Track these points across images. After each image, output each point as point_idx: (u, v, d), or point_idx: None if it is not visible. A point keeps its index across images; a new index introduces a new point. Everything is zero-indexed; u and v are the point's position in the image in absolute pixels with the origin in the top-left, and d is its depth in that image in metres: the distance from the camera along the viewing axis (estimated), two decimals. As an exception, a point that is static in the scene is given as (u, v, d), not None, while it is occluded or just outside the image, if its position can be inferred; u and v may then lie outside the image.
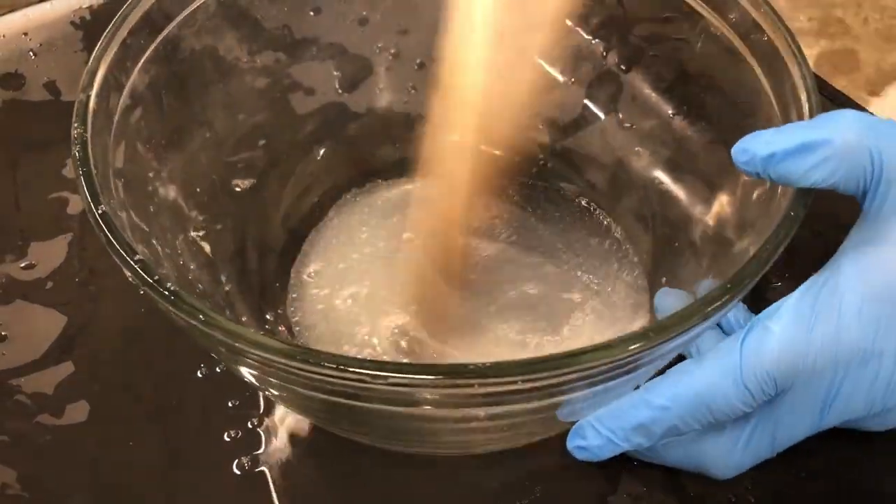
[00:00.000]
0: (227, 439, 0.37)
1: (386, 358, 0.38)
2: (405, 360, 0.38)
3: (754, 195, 0.35)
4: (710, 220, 0.38)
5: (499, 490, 0.36)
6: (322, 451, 0.37)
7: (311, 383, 0.27)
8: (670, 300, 0.37)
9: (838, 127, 0.30)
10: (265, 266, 0.42)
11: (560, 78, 0.44)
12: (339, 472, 0.37)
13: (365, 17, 0.44)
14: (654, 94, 0.41)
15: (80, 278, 0.42)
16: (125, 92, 0.35)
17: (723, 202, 0.37)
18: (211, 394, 0.38)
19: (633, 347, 0.27)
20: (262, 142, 0.43)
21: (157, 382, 0.39)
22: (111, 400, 0.39)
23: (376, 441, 0.35)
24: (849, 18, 1.03)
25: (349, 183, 0.45)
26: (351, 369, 0.26)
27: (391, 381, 0.26)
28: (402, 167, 0.46)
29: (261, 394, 0.38)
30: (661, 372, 0.32)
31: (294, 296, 0.41)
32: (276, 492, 0.36)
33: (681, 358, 0.33)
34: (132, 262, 0.28)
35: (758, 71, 0.35)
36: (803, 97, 0.32)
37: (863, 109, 0.35)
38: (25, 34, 0.50)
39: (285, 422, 0.38)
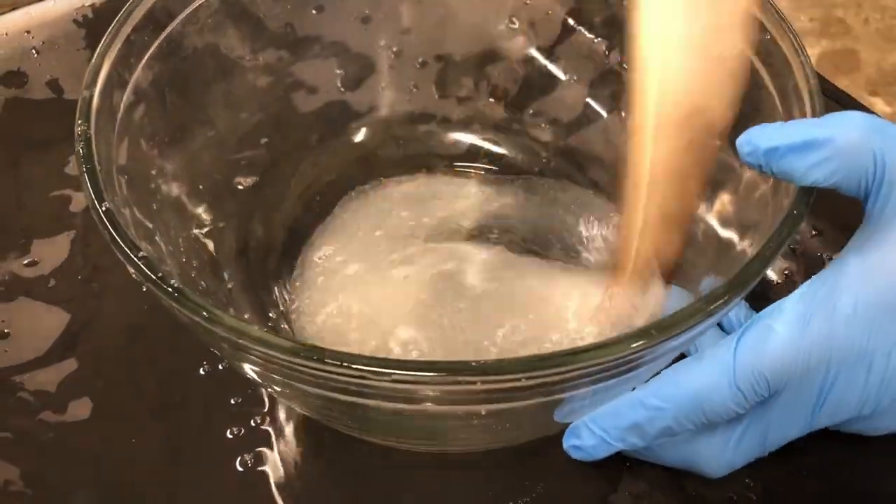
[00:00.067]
0: (230, 436, 0.37)
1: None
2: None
3: (756, 194, 0.35)
4: (712, 218, 0.38)
5: (501, 488, 0.36)
6: (324, 449, 0.37)
7: (313, 380, 0.27)
8: (672, 299, 0.38)
9: (843, 127, 0.30)
10: (268, 264, 0.42)
11: (563, 76, 0.44)
12: (341, 469, 0.37)
13: (367, 15, 0.45)
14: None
15: (83, 275, 0.42)
16: (129, 89, 0.35)
17: (725, 201, 0.37)
18: (213, 391, 0.38)
19: (634, 346, 0.27)
20: (264, 140, 0.43)
21: (159, 379, 0.39)
22: (114, 397, 0.39)
23: (379, 438, 0.35)
24: (850, 18, 1.03)
25: (352, 181, 0.45)
26: (353, 366, 0.26)
27: (393, 377, 0.26)
28: (404, 165, 0.46)
29: (263, 391, 0.38)
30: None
31: (296, 293, 0.42)
32: (279, 489, 0.36)
33: (683, 356, 0.33)
34: (136, 259, 0.28)
35: (761, 70, 0.35)
36: (806, 97, 0.32)
37: (866, 110, 0.35)
38: (28, 32, 0.50)
39: (288, 419, 0.38)
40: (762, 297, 0.32)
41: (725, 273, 0.32)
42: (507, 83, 0.46)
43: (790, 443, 0.34)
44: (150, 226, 0.34)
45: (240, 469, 0.36)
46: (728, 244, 0.36)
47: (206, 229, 0.39)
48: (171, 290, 0.28)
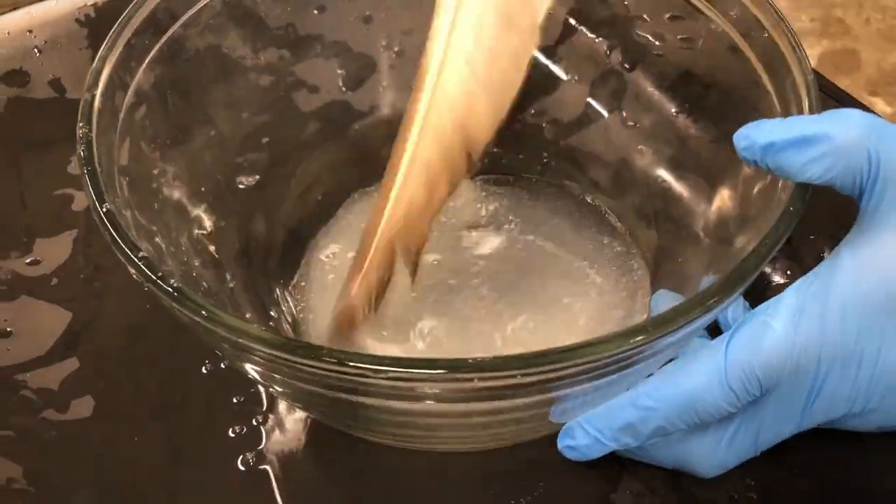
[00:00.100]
0: (232, 435, 0.37)
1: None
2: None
3: (755, 191, 0.35)
4: (712, 216, 0.38)
5: (501, 487, 0.36)
6: (326, 448, 0.37)
7: (312, 378, 0.28)
8: (668, 303, 0.38)
9: (840, 124, 0.30)
10: (269, 264, 0.42)
11: (564, 76, 0.44)
12: (342, 468, 0.37)
13: (369, 15, 0.45)
14: (657, 93, 0.42)
15: (85, 275, 0.43)
16: (130, 90, 0.35)
17: (724, 199, 0.38)
18: (215, 390, 0.38)
19: (632, 342, 0.27)
20: (265, 140, 0.43)
21: (161, 378, 0.39)
22: (116, 396, 0.39)
23: (379, 437, 0.35)
24: (850, 18, 1.03)
25: (353, 182, 0.46)
26: (351, 364, 0.26)
27: (391, 375, 0.26)
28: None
29: (265, 390, 0.38)
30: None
31: (298, 293, 0.42)
32: (280, 488, 0.36)
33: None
34: (136, 260, 0.29)
35: (759, 68, 0.35)
36: (804, 94, 0.32)
37: (867, 110, 0.36)
38: (30, 31, 0.50)
39: (289, 418, 0.38)
40: (763, 297, 0.32)
41: (725, 271, 0.32)
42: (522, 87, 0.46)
43: (789, 442, 0.34)
44: (152, 226, 0.34)
45: (241, 468, 0.36)
46: (727, 242, 0.36)
47: (207, 229, 0.39)
48: (171, 289, 0.28)
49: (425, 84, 0.36)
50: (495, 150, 0.46)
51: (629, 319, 0.40)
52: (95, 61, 0.34)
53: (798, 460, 0.36)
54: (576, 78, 0.44)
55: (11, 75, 0.49)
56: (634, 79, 0.42)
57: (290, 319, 0.40)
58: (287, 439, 0.37)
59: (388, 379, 0.26)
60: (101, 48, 0.34)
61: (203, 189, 0.39)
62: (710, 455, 0.33)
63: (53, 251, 0.43)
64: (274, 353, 0.27)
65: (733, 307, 0.37)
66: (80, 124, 0.32)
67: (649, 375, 0.32)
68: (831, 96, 0.45)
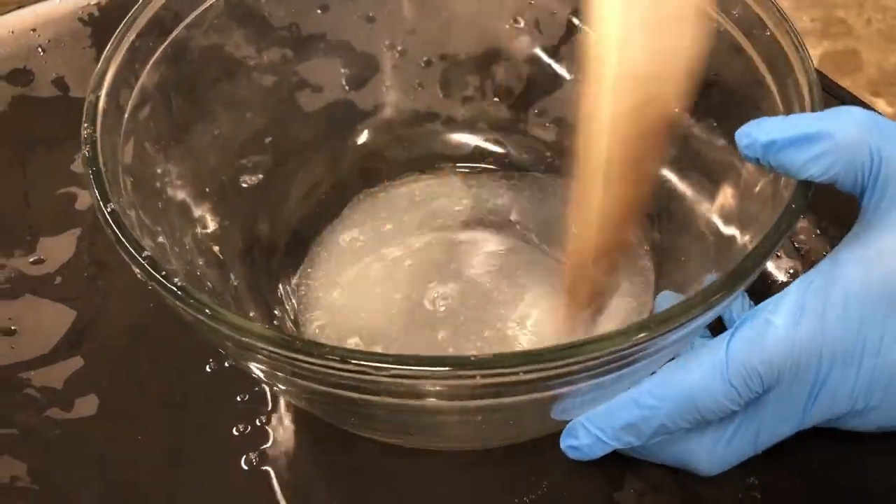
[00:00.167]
0: (236, 434, 0.37)
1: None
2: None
3: (757, 189, 0.35)
4: (714, 215, 0.38)
5: (505, 485, 0.36)
6: (329, 447, 0.37)
7: (315, 376, 0.28)
8: (672, 304, 0.38)
9: (842, 122, 0.30)
10: (273, 263, 0.42)
11: (567, 75, 0.45)
12: (346, 467, 0.37)
13: (372, 15, 0.45)
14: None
15: (89, 273, 0.43)
16: (135, 91, 0.35)
17: (727, 198, 0.38)
18: (219, 388, 0.38)
19: (634, 339, 0.27)
20: (269, 139, 0.43)
21: (165, 377, 0.39)
22: (120, 394, 0.39)
23: (382, 436, 0.35)
24: (851, 19, 1.03)
25: (356, 181, 0.46)
26: (353, 361, 0.26)
27: (393, 372, 0.26)
28: (409, 166, 0.46)
29: (269, 389, 0.38)
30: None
31: (302, 292, 0.42)
32: (284, 487, 0.36)
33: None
34: (140, 259, 0.29)
35: (761, 67, 0.35)
36: (806, 93, 0.32)
37: (869, 109, 0.36)
38: (34, 30, 0.50)
39: (294, 417, 0.38)
40: (766, 296, 0.32)
41: (728, 270, 0.32)
42: (512, 82, 0.46)
43: (791, 442, 0.34)
44: (156, 226, 0.34)
45: (245, 467, 0.36)
46: (730, 240, 0.36)
47: (211, 229, 0.39)
48: (175, 288, 0.28)
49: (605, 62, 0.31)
50: (499, 149, 0.46)
51: (633, 319, 0.40)
52: (100, 63, 0.34)
53: (800, 460, 0.36)
54: (579, 77, 0.44)
55: (15, 74, 0.49)
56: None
57: (293, 318, 0.41)
58: (291, 438, 0.37)
59: (390, 376, 0.26)
60: (106, 49, 0.34)
61: (207, 188, 0.39)
62: (711, 453, 0.33)
63: (57, 250, 0.43)
64: (277, 351, 0.27)
65: (738, 305, 0.37)
66: (85, 125, 0.32)
67: (652, 374, 0.32)
68: (833, 96, 0.45)
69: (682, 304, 0.27)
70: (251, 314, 0.38)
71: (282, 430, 0.38)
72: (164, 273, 0.28)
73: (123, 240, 0.29)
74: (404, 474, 0.37)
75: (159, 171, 0.37)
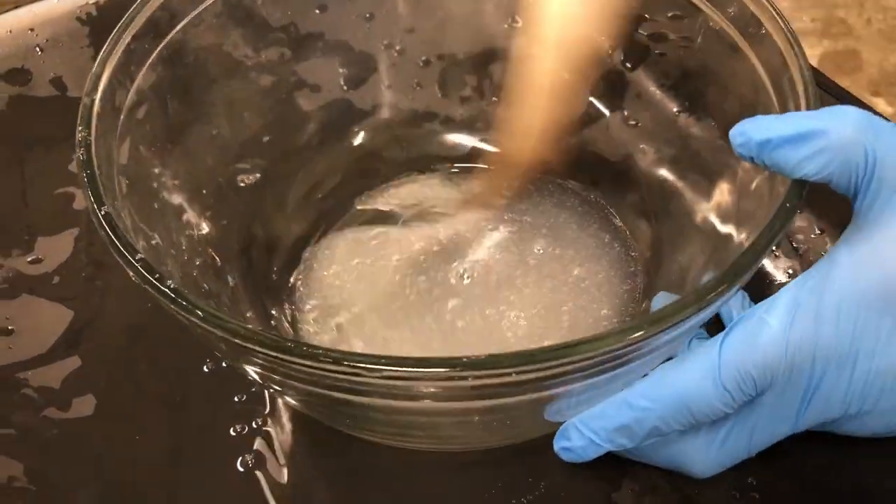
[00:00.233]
0: (233, 434, 0.37)
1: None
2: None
3: (753, 187, 0.35)
4: (711, 215, 0.38)
5: (503, 486, 0.36)
6: (326, 448, 0.37)
7: (308, 378, 0.28)
8: (661, 303, 0.38)
9: (837, 121, 0.30)
10: (271, 264, 0.42)
11: (565, 75, 0.44)
12: (342, 468, 0.37)
13: (370, 14, 0.45)
14: (658, 92, 0.42)
15: (87, 273, 0.43)
16: (131, 91, 0.35)
17: (724, 197, 0.37)
18: (217, 389, 0.38)
19: (627, 339, 0.27)
20: (266, 139, 0.43)
21: (163, 377, 0.39)
22: (117, 394, 0.39)
23: (378, 437, 0.35)
24: (851, 19, 1.03)
25: (354, 182, 0.46)
26: (346, 363, 0.26)
27: (386, 374, 0.26)
28: (408, 166, 0.46)
29: (266, 389, 0.38)
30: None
31: (299, 292, 0.42)
32: (281, 487, 0.36)
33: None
34: (133, 262, 0.29)
35: (757, 65, 0.35)
36: (801, 90, 0.32)
37: (868, 109, 0.35)
38: (32, 30, 0.50)
39: (291, 418, 0.38)
40: (765, 297, 0.32)
41: (724, 268, 0.32)
42: (511, 82, 0.46)
43: (789, 444, 0.33)
44: (151, 227, 0.34)
45: (242, 467, 0.36)
46: (727, 239, 0.36)
47: (207, 230, 0.39)
48: (167, 291, 0.28)
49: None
50: (498, 148, 0.46)
51: (627, 318, 0.40)
52: (95, 65, 0.34)
53: (794, 463, 0.36)
54: (577, 77, 0.44)
55: (13, 73, 0.49)
56: (636, 78, 0.42)
57: (290, 319, 0.40)
58: (288, 439, 0.37)
59: (384, 378, 0.26)
60: (102, 51, 0.34)
61: (203, 190, 0.39)
62: (704, 455, 0.33)
63: (55, 249, 0.43)
64: (269, 353, 0.27)
65: (738, 306, 0.37)
66: (80, 128, 0.32)
67: (645, 375, 0.32)
68: (833, 96, 0.45)
69: (675, 303, 0.27)
70: (248, 315, 0.38)
71: (279, 430, 0.37)
72: (157, 275, 0.28)
73: (117, 242, 0.29)
74: (401, 475, 0.37)
75: (155, 171, 0.37)
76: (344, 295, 0.41)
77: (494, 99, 0.46)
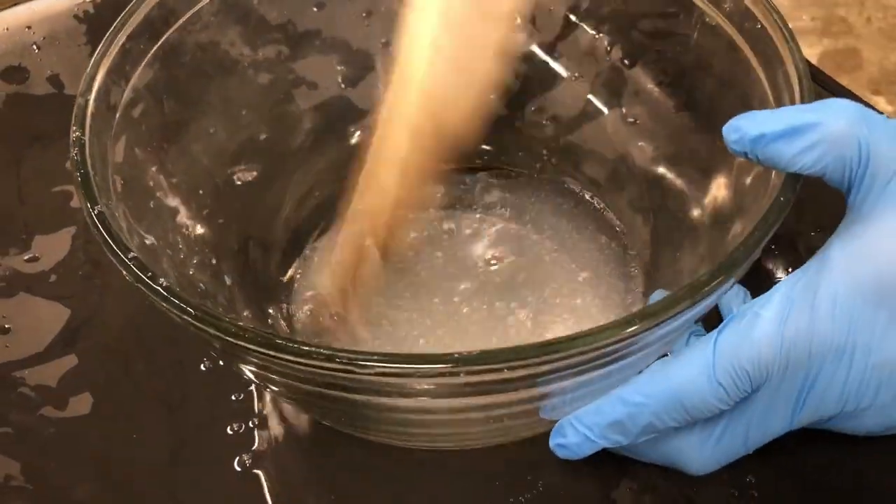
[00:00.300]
0: (230, 433, 0.37)
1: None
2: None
3: (748, 181, 0.35)
4: (708, 211, 0.38)
5: (501, 485, 0.36)
6: (324, 447, 0.37)
7: (302, 375, 0.28)
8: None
9: (830, 114, 0.29)
10: (268, 262, 0.42)
11: (564, 73, 0.44)
12: (340, 466, 0.37)
13: (368, 11, 0.44)
14: (657, 89, 0.41)
15: (84, 271, 0.43)
16: (127, 89, 0.35)
17: (721, 194, 0.37)
18: (214, 387, 0.38)
19: (620, 334, 0.26)
20: (263, 137, 0.43)
21: (160, 375, 0.39)
22: (115, 393, 0.39)
23: (374, 436, 0.35)
24: (852, 17, 1.03)
25: (354, 180, 0.45)
26: (338, 360, 0.26)
27: (378, 370, 0.26)
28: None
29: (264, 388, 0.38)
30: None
31: (297, 291, 0.42)
32: (279, 485, 0.36)
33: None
34: (126, 260, 0.29)
35: (752, 60, 0.35)
36: (795, 84, 0.32)
37: (866, 105, 0.35)
38: (29, 28, 0.50)
39: (289, 416, 0.38)
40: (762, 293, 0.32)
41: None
42: (508, 80, 0.46)
43: (785, 443, 0.33)
44: (147, 226, 0.34)
45: (239, 466, 0.36)
46: (723, 234, 0.36)
47: (204, 229, 0.39)
48: (160, 289, 0.28)
49: (395, 69, 0.37)
50: (495, 146, 0.46)
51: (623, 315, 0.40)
52: (90, 65, 0.34)
53: (794, 461, 0.36)
54: (576, 75, 0.44)
55: (10, 71, 0.49)
56: (635, 76, 0.42)
57: (286, 317, 0.40)
58: (286, 437, 0.37)
59: (376, 374, 0.26)
60: (97, 51, 0.34)
61: (200, 189, 0.39)
62: (700, 452, 0.33)
63: (52, 248, 0.43)
64: (261, 351, 0.27)
65: (738, 305, 0.37)
66: (74, 128, 0.32)
67: (640, 372, 0.32)
68: (833, 94, 0.45)
69: (668, 298, 0.27)
70: (245, 314, 0.38)
71: (276, 429, 0.37)
72: (150, 274, 0.28)
73: (110, 241, 0.29)
74: (398, 474, 0.36)
75: (151, 171, 0.37)
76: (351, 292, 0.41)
77: (491, 96, 0.46)
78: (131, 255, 0.29)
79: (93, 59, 0.34)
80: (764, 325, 0.30)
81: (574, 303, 0.40)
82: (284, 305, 0.41)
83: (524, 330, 0.39)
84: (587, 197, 0.44)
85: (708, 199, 0.38)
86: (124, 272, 0.29)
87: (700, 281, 0.27)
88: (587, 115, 0.44)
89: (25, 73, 0.49)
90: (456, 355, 0.26)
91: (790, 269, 0.42)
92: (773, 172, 0.31)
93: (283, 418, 0.38)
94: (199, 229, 0.38)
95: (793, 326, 0.30)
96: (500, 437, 0.35)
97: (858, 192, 0.30)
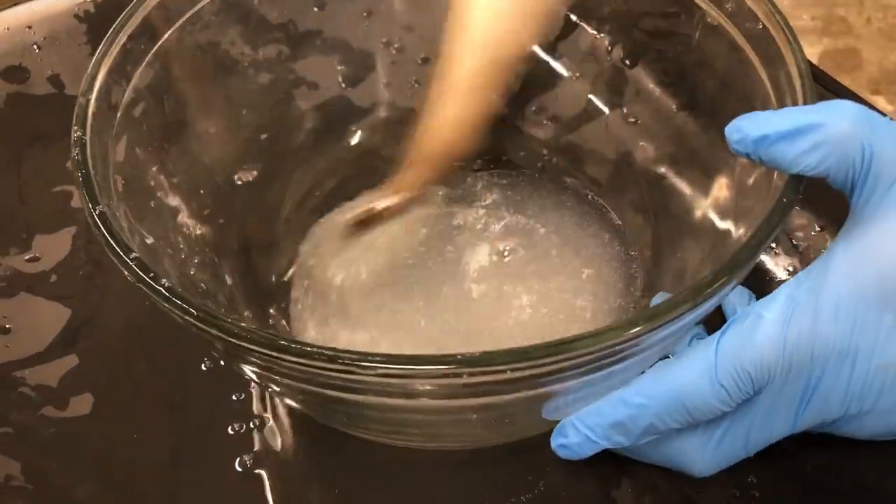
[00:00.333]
0: (231, 433, 0.37)
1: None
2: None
3: (751, 183, 0.34)
4: (710, 211, 0.38)
5: (501, 485, 0.36)
6: (324, 446, 0.37)
7: (303, 376, 0.28)
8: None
9: (833, 115, 0.29)
10: (269, 263, 0.42)
11: (565, 73, 0.44)
12: (341, 467, 0.37)
13: (369, 11, 0.44)
14: (658, 89, 0.42)
15: (85, 271, 0.42)
16: (128, 90, 0.35)
17: (723, 194, 0.37)
18: (215, 387, 0.38)
19: (623, 335, 0.26)
20: (264, 137, 0.43)
21: (161, 376, 0.39)
22: (115, 393, 0.39)
23: (375, 436, 0.35)
24: (852, 17, 1.03)
25: (353, 179, 0.45)
26: (339, 361, 0.26)
27: (380, 371, 0.26)
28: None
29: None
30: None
31: (297, 291, 0.42)
32: (279, 485, 0.36)
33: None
34: (128, 260, 0.29)
35: (754, 60, 0.35)
36: (798, 84, 0.32)
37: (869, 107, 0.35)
38: (29, 27, 0.50)
39: (289, 416, 0.38)
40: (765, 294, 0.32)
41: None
42: (509, 80, 0.46)
43: (786, 446, 0.33)
44: (148, 226, 0.34)
45: (240, 466, 0.36)
46: (726, 236, 0.36)
47: (205, 229, 0.39)
48: (161, 289, 0.28)
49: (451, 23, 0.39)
50: (496, 146, 0.46)
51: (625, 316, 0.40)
52: (91, 65, 0.34)
53: (794, 464, 0.36)
54: (577, 75, 0.44)
55: (11, 71, 0.49)
56: (636, 75, 0.42)
57: (287, 317, 0.40)
58: (286, 437, 0.37)
59: (377, 375, 0.26)
60: (97, 52, 0.34)
61: (201, 189, 0.39)
62: (701, 454, 0.33)
63: (53, 248, 0.43)
64: (263, 351, 0.27)
65: (743, 307, 0.37)
66: (75, 128, 0.32)
67: (643, 373, 0.32)
68: (834, 94, 0.45)
69: (671, 299, 0.27)
70: (246, 314, 0.38)
71: (277, 429, 0.37)
72: (151, 274, 0.28)
73: (111, 241, 0.29)
74: (399, 474, 0.36)
75: (152, 170, 0.37)
76: (344, 293, 0.41)
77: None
78: (133, 255, 0.29)
79: (94, 58, 0.34)
80: (767, 327, 0.30)
81: (575, 304, 0.40)
82: (285, 304, 0.41)
83: (520, 331, 0.39)
84: (588, 196, 0.44)
85: (710, 200, 0.38)
86: (126, 272, 0.29)
87: (703, 282, 0.27)
88: (588, 115, 0.44)
89: (26, 73, 0.49)
90: (458, 356, 0.26)
91: (790, 269, 0.42)
92: (776, 173, 0.31)
93: (283, 418, 0.38)
94: (200, 229, 0.38)
95: (796, 329, 0.30)
96: (501, 437, 0.35)
97: (861, 194, 0.30)
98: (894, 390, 0.31)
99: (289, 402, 0.38)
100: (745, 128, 0.30)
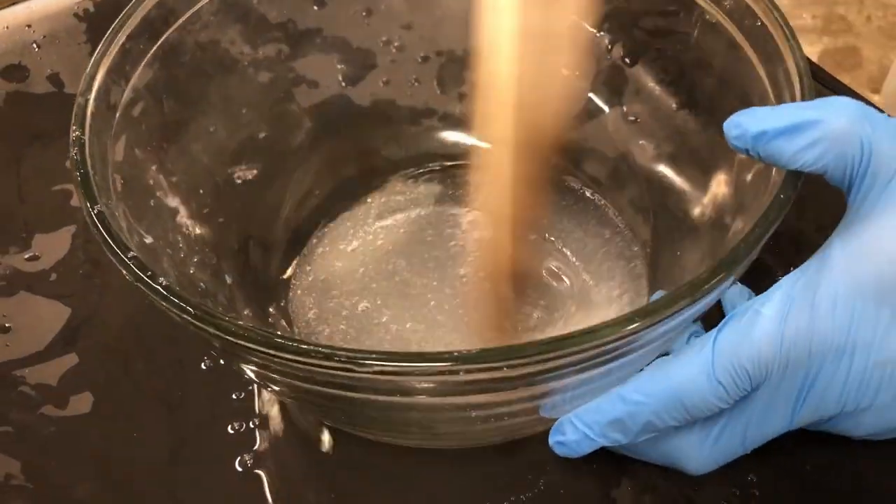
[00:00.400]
0: (231, 432, 0.37)
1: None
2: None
3: (749, 180, 0.34)
4: (709, 209, 0.38)
5: (501, 484, 0.36)
6: (324, 444, 0.37)
7: (301, 374, 0.28)
8: None
9: (832, 111, 0.29)
10: (268, 261, 0.42)
11: (564, 71, 0.44)
12: (341, 466, 0.37)
13: (368, 10, 0.44)
14: (658, 88, 0.41)
15: (84, 270, 0.42)
16: (127, 89, 0.35)
17: (721, 191, 0.37)
18: (215, 386, 0.38)
19: (620, 331, 0.26)
20: (263, 135, 0.43)
21: (161, 374, 0.39)
22: (115, 392, 0.39)
23: (375, 434, 0.35)
24: (851, 16, 1.03)
25: (353, 178, 0.45)
26: (336, 358, 0.26)
27: (377, 368, 0.26)
28: (406, 163, 0.46)
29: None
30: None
31: (297, 290, 0.41)
32: (279, 484, 0.36)
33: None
34: (126, 259, 0.29)
35: (753, 58, 0.35)
36: (796, 81, 0.32)
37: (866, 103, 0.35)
38: (29, 26, 0.50)
39: (289, 414, 0.38)
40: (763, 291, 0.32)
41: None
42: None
43: (784, 444, 0.33)
44: (147, 225, 0.34)
45: (240, 465, 0.36)
46: (724, 232, 0.36)
47: (204, 228, 0.39)
48: (159, 288, 0.28)
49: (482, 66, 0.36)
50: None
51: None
52: (90, 65, 0.34)
53: (793, 463, 0.36)
54: (577, 73, 0.44)
55: (10, 70, 0.49)
56: (636, 74, 0.42)
57: (287, 316, 0.40)
58: (286, 436, 0.37)
59: (375, 373, 0.26)
60: (96, 52, 0.34)
61: (200, 188, 0.39)
62: (698, 452, 0.33)
63: (52, 246, 0.43)
64: (261, 349, 0.27)
65: (740, 303, 0.37)
66: (74, 127, 0.32)
67: (641, 370, 0.32)
68: (833, 92, 0.45)
69: (668, 295, 0.27)
70: (245, 313, 0.38)
71: (277, 427, 0.37)
72: (149, 273, 0.28)
73: (109, 240, 0.29)
74: (399, 473, 0.36)
75: (151, 169, 0.37)
76: (343, 292, 0.41)
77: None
78: (131, 254, 0.29)
79: (93, 58, 0.34)
80: (764, 323, 0.30)
81: (572, 299, 0.40)
82: (284, 303, 0.41)
83: (518, 325, 0.39)
84: (588, 195, 0.44)
85: (708, 197, 0.38)
86: (124, 271, 0.29)
87: (700, 278, 0.27)
88: (588, 114, 0.44)
89: (25, 72, 0.49)
90: (455, 354, 0.26)
91: (791, 268, 0.42)
92: (774, 170, 0.31)
93: (283, 417, 0.38)
94: (199, 228, 0.38)
95: (793, 325, 0.30)
96: (499, 435, 0.35)
97: (859, 191, 0.30)
98: (891, 387, 0.31)
99: (288, 400, 0.38)
100: (744, 123, 0.30)
